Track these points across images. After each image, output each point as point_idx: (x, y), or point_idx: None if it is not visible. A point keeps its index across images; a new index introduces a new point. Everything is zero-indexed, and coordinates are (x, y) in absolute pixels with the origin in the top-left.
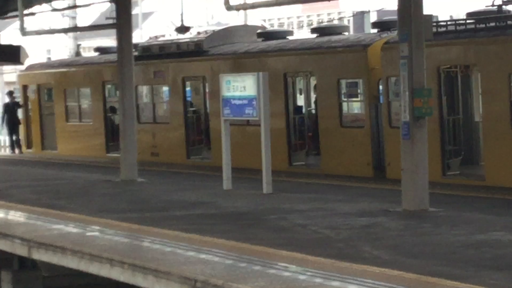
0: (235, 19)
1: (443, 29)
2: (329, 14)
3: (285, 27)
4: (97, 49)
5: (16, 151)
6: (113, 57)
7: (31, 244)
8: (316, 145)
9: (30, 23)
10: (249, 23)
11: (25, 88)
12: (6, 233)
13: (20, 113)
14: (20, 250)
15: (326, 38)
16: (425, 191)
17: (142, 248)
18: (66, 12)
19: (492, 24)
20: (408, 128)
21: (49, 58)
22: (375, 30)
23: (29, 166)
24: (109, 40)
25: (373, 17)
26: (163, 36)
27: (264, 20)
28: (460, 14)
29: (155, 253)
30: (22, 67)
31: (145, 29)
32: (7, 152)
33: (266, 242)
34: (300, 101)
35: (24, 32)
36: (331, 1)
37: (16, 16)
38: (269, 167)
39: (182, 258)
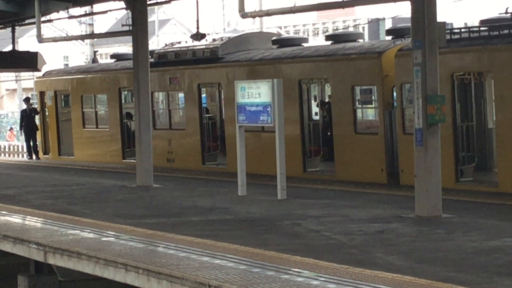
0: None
1: (457, 36)
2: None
3: (300, 34)
4: (114, 56)
5: (34, 157)
6: (129, 63)
7: (47, 249)
8: (330, 151)
9: (47, 30)
10: (265, 30)
11: (42, 94)
12: (22, 238)
13: (37, 119)
14: (36, 255)
15: (340, 45)
16: (438, 197)
17: (156, 253)
18: (83, 19)
19: (506, 31)
20: (422, 135)
21: (66, 65)
22: (389, 37)
23: (46, 171)
24: (126, 47)
25: (388, 24)
26: (179, 43)
27: (280, 27)
28: (474, 22)
29: (169, 258)
30: (40, 74)
31: (161, 36)
32: (24, 158)
33: (280, 247)
34: (315, 107)
35: (41, 39)
36: (346, 9)
37: (33, 23)
38: (283, 173)
39: (196, 263)
